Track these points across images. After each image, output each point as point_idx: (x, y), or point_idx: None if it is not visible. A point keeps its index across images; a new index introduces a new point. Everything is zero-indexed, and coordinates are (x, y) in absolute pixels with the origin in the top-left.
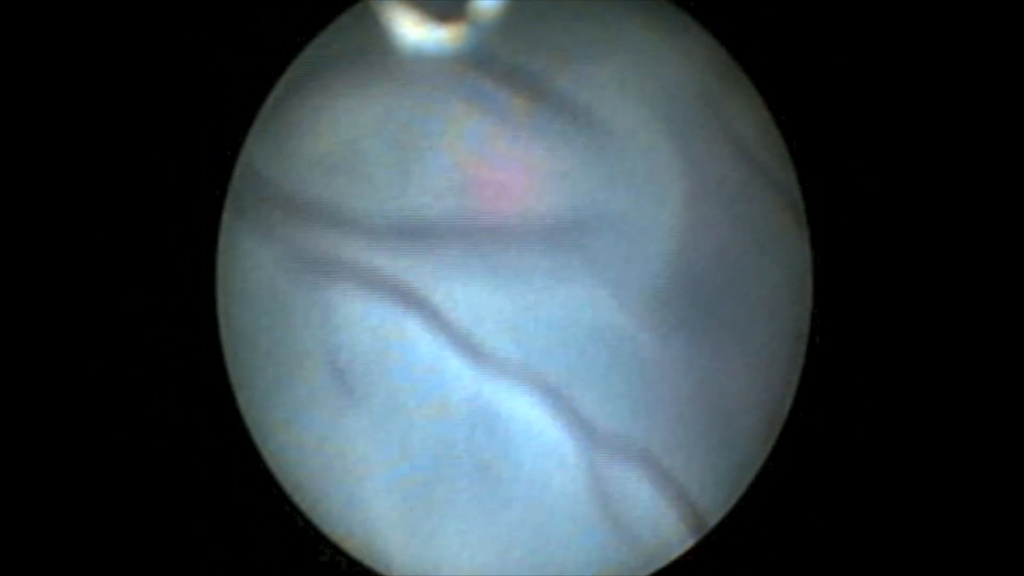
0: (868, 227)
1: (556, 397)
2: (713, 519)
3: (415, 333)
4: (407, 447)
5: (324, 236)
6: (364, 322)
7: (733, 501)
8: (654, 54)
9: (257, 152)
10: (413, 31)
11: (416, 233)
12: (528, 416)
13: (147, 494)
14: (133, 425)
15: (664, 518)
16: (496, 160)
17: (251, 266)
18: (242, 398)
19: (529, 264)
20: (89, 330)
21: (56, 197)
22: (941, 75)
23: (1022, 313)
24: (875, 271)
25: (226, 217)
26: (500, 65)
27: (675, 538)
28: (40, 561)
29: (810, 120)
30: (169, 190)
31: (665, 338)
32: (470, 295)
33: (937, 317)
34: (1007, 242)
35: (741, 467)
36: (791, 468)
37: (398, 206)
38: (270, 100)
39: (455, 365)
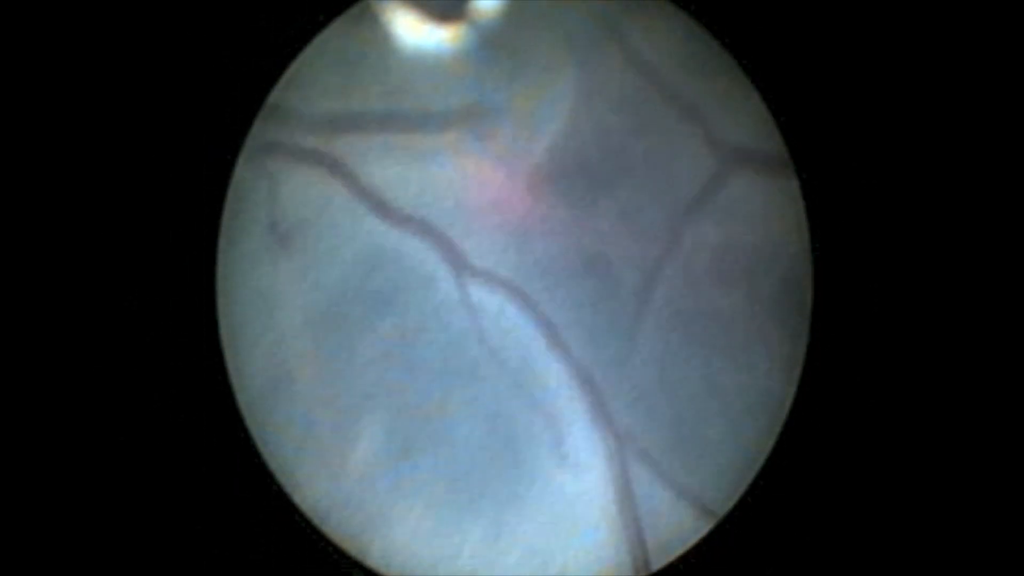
0: (867, 223)
1: (440, 240)
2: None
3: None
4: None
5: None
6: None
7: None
8: None
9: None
10: (413, 31)
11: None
12: (417, 255)
13: (147, 494)
14: (133, 425)
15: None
16: (496, 160)
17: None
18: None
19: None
20: (89, 330)
21: (56, 197)
22: (940, 73)
23: (1022, 311)
24: (874, 266)
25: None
26: (500, 65)
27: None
28: (40, 561)
29: (808, 117)
30: (169, 190)
31: (547, 203)
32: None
33: (936, 312)
34: (1007, 237)
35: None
36: (791, 467)
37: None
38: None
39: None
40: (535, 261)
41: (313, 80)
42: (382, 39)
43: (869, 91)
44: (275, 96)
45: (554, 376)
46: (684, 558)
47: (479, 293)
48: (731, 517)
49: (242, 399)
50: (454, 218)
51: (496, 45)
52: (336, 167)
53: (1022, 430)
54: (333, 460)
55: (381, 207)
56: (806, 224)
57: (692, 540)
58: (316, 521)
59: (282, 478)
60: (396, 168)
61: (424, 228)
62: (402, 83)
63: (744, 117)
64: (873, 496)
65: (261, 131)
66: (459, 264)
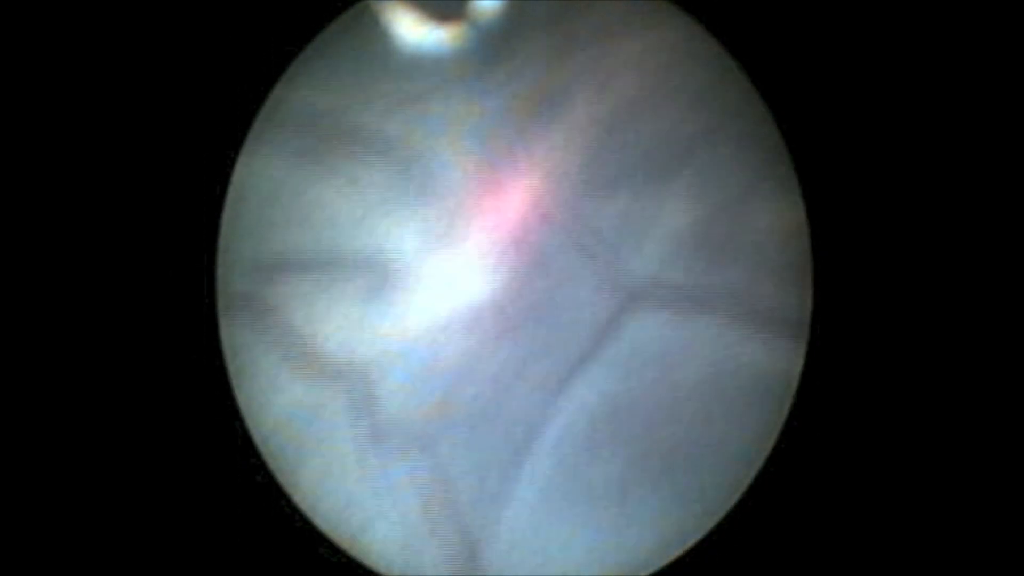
0: (868, 225)
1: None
2: None
3: None
4: None
5: None
6: None
7: None
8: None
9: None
10: (413, 31)
11: None
12: None
13: (147, 494)
14: (133, 425)
15: None
16: (496, 160)
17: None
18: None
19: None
20: (89, 330)
21: (56, 197)
22: (941, 73)
23: (1022, 311)
24: (875, 269)
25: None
26: (500, 65)
27: None
28: (40, 561)
29: (810, 119)
30: (169, 190)
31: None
32: None
33: (937, 314)
34: (1008, 238)
35: None
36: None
37: None
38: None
39: None
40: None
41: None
42: (382, 39)
43: (870, 92)
44: None
45: None
46: (679, 562)
47: None
48: (731, 517)
49: (242, 400)
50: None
51: (496, 45)
52: None
53: (1022, 430)
54: (333, 460)
55: None
56: None
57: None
58: (316, 521)
59: (282, 478)
60: None
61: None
62: (402, 83)
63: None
64: (873, 496)
65: None
66: None
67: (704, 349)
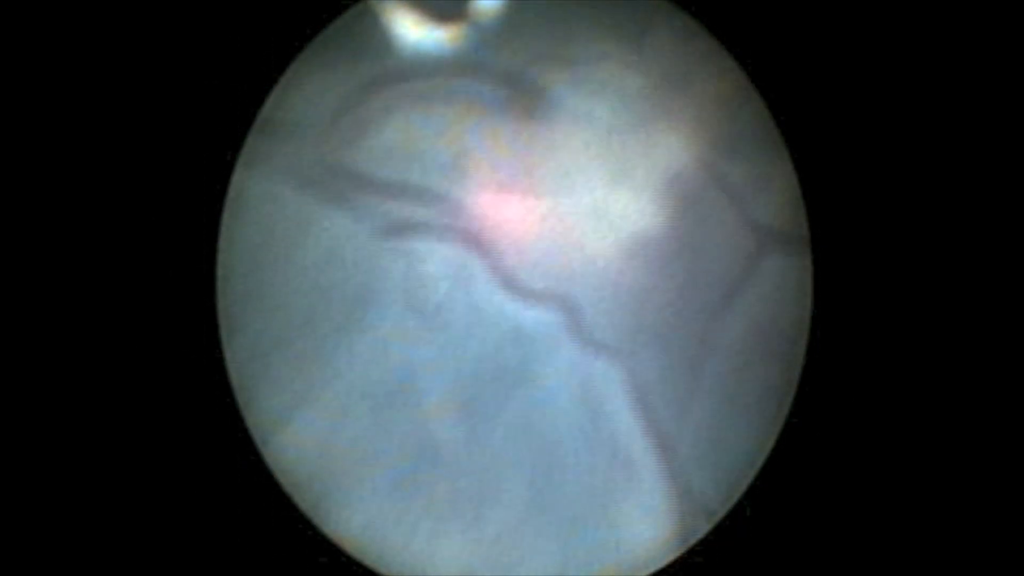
0: (868, 228)
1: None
2: None
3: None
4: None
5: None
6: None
7: None
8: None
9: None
10: (413, 31)
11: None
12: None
13: (147, 494)
14: (133, 426)
15: None
16: (496, 160)
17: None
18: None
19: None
20: (89, 330)
21: (55, 198)
22: (941, 74)
23: (1022, 312)
24: (875, 272)
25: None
26: (500, 65)
27: None
28: (40, 561)
29: (810, 120)
30: (169, 190)
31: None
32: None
33: (937, 317)
34: (1008, 239)
35: None
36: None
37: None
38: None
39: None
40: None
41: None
42: (382, 39)
43: (871, 93)
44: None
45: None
46: (684, 558)
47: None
48: (731, 517)
49: (242, 400)
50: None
51: (496, 45)
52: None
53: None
54: (334, 461)
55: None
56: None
57: (692, 540)
58: (316, 521)
59: (281, 477)
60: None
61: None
62: (402, 83)
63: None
64: (872, 498)
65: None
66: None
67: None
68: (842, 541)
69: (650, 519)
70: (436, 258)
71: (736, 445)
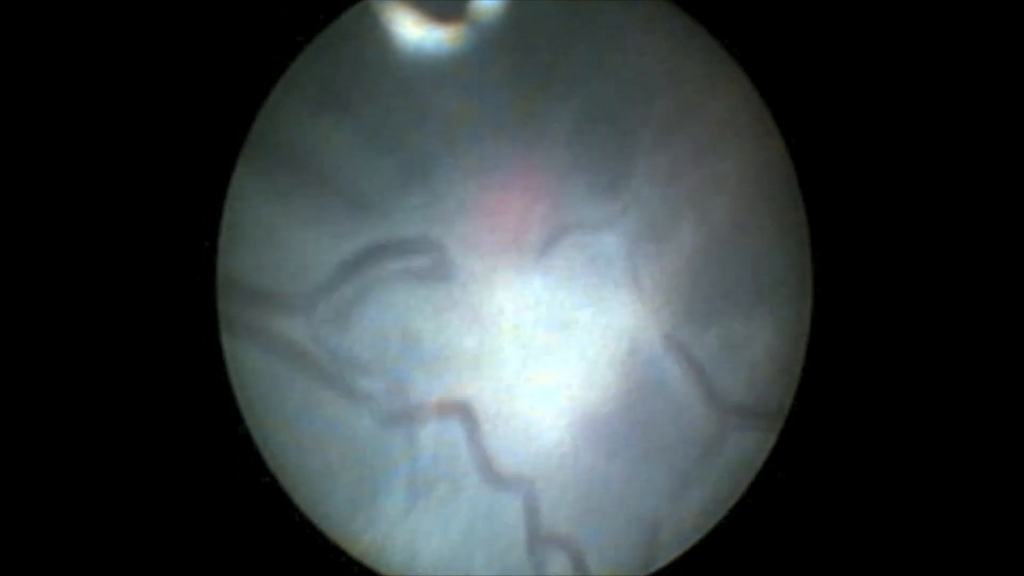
0: (868, 228)
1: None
2: None
3: None
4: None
5: None
6: None
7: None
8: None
9: None
10: (413, 31)
11: None
12: None
13: (147, 494)
14: (133, 426)
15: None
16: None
17: None
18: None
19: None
20: (89, 330)
21: (55, 199)
22: (941, 75)
23: (1022, 312)
24: (875, 270)
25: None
26: (500, 65)
27: None
28: (40, 561)
29: (810, 119)
30: (169, 190)
31: None
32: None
33: (937, 316)
34: (1008, 238)
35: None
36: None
37: None
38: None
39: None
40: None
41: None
42: (382, 39)
43: (872, 95)
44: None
45: None
46: (684, 558)
47: None
48: (731, 515)
49: (243, 400)
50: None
51: (496, 45)
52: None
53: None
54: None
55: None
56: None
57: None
58: (316, 521)
59: (282, 478)
60: None
61: None
62: (401, 84)
63: None
64: (873, 497)
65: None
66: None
67: None
68: (841, 549)
69: None
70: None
71: None
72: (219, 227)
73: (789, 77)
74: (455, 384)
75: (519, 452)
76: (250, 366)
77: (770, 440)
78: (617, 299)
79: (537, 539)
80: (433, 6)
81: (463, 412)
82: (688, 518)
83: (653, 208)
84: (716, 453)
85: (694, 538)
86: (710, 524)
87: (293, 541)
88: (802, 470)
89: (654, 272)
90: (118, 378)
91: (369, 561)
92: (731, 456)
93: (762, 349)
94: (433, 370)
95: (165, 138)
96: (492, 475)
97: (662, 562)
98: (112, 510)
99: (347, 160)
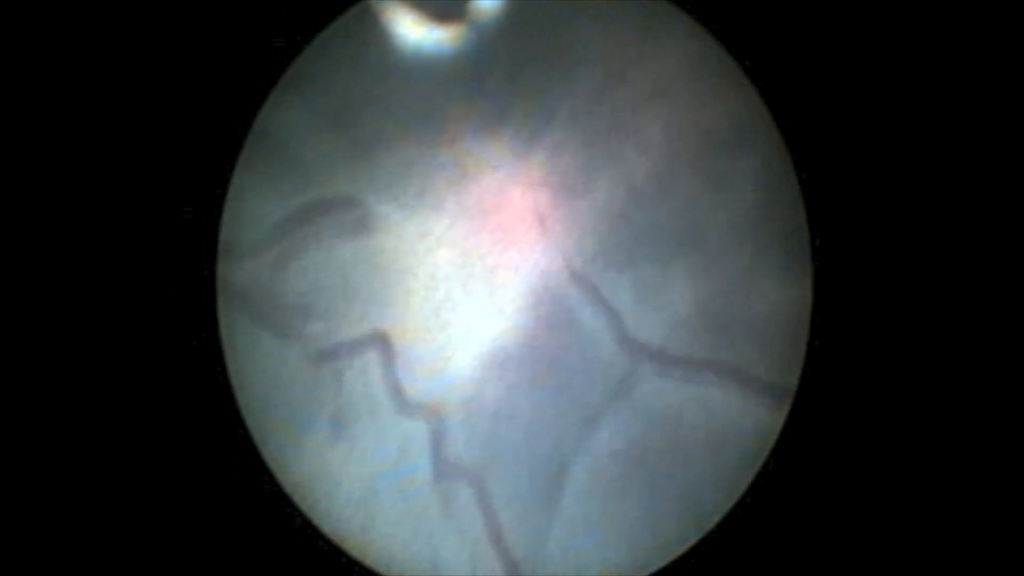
0: (870, 227)
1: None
2: None
3: None
4: None
5: None
6: None
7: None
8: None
9: None
10: (413, 31)
11: None
12: None
13: (147, 494)
14: (133, 426)
15: None
16: (496, 162)
17: None
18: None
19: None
20: (89, 330)
21: (55, 199)
22: (941, 75)
23: (1022, 313)
24: (877, 269)
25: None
26: (500, 65)
27: None
28: (40, 561)
29: (810, 120)
30: (169, 190)
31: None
32: None
33: (939, 316)
34: (1009, 239)
35: None
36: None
37: None
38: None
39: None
40: None
41: None
42: (382, 39)
43: (873, 95)
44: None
45: None
46: (679, 563)
47: None
48: (728, 519)
49: (242, 399)
50: None
51: (496, 45)
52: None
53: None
54: (333, 459)
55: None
56: None
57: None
58: (316, 521)
59: (282, 478)
60: None
61: None
62: (401, 84)
63: None
64: (873, 497)
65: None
66: None
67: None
68: (840, 547)
69: None
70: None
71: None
72: (217, 228)
73: (789, 75)
74: (377, 321)
75: (430, 385)
76: (223, 316)
77: (693, 393)
78: (528, 240)
79: (442, 470)
80: (433, 6)
81: (381, 346)
82: (597, 459)
83: (570, 159)
84: (625, 395)
85: (604, 482)
86: (626, 472)
87: (293, 541)
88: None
89: (567, 216)
90: (118, 379)
91: (299, 498)
92: (646, 402)
93: (680, 298)
94: (356, 310)
95: (163, 139)
96: (403, 406)
97: (569, 501)
98: (112, 510)
99: (338, 161)
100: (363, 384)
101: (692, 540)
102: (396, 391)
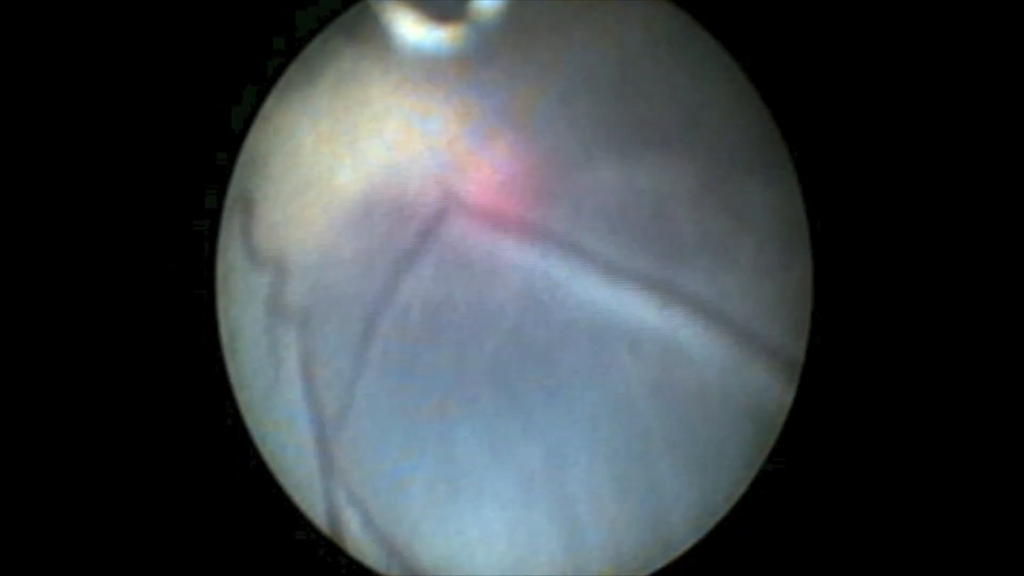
0: (868, 228)
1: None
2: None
3: None
4: None
5: None
6: None
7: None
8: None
9: None
10: (413, 31)
11: None
12: None
13: (147, 494)
14: (133, 426)
15: None
16: (496, 160)
17: None
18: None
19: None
20: (89, 330)
21: (54, 200)
22: (942, 76)
23: (1022, 313)
24: (875, 271)
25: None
26: (500, 65)
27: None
28: (40, 561)
29: (810, 120)
30: (168, 190)
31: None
32: None
33: (938, 318)
34: (1009, 239)
35: None
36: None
37: None
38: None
39: None
40: None
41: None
42: (382, 39)
43: (873, 94)
44: None
45: None
46: (679, 563)
47: None
48: (729, 518)
49: (242, 399)
50: None
51: (496, 45)
52: None
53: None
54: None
55: None
56: None
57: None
58: (316, 521)
59: (282, 478)
60: None
61: None
62: (401, 83)
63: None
64: (873, 497)
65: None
66: None
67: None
68: (842, 541)
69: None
70: None
71: (394, 452)
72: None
73: (790, 77)
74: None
75: (278, 237)
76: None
77: (492, 245)
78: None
79: (276, 311)
80: (433, 6)
81: (244, 208)
82: (400, 317)
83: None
84: (432, 242)
85: (405, 345)
86: (418, 332)
87: (293, 542)
88: (802, 470)
89: None
90: (117, 379)
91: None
92: (447, 251)
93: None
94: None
95: (163, 139)
96: (254, 258)
97: (378, 345)
98: (112, 510)
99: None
100: (230, 240)
101: None
102: (251, 247)
